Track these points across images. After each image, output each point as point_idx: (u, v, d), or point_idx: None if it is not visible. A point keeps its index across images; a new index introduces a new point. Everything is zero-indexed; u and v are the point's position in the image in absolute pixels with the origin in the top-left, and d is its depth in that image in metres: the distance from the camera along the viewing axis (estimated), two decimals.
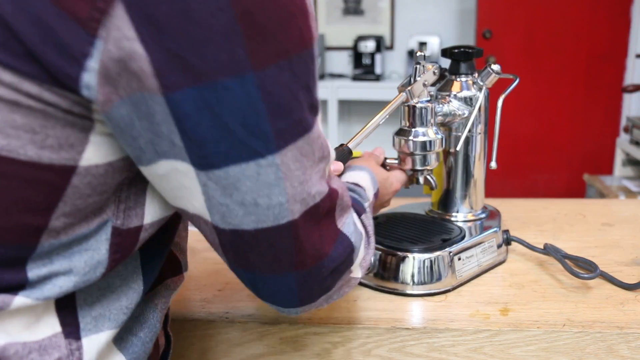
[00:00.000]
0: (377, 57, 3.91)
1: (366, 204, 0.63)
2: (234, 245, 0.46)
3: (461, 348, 0.72)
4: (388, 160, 0.84)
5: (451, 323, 0.73)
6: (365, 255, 0.56)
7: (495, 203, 1.18)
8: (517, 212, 1.14)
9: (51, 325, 0.45)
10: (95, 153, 0.42)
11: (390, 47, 4.12)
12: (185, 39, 0.37)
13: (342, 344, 0.73)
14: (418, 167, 0.83)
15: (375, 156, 0.83)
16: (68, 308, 0.46)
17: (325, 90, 3.89)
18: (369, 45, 3.89)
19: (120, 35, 0.37)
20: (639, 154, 2.82)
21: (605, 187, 2.85)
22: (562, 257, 0.85)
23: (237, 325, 0.74)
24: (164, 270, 0.57)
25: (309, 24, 0.43)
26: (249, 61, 0.38)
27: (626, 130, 3.01)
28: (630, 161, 3.05)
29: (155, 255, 0.53)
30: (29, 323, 0.44)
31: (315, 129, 0.45)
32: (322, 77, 4.03)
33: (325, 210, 0.47)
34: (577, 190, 3.47)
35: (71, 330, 0.46)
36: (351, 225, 0.52)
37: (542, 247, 0.90)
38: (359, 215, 0.58)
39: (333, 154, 0.50)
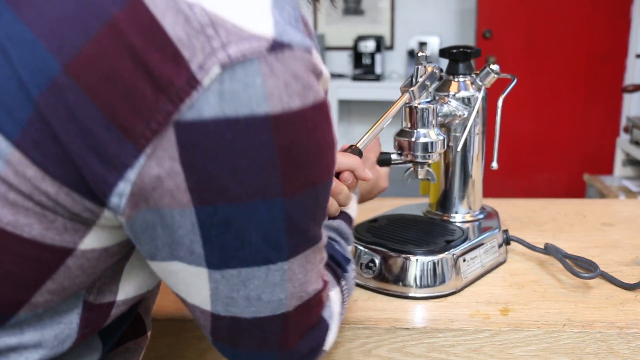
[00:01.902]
0: (377, 57, 3.91)
1: (348, 251, 0.67)
2: (229, 329, 0.48)
3: (461, 348, 0.72)
4: (393, 155, 0.84)
5: (451, 323, 0.73)
6: (341, 309, 0.59)
7: (495, 203, 1.18)
8: (517, 212, 1.14)
9: None
10: (94, 239, 0.42)
11: (390, 47, 4.12)
12: (226, 167, 0.39)
13: (342, 344, 0.73)
14: (419, 160, 0.83)
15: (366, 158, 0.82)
16: None
17: None
18: (369, 45, 3.89)
19: (164, 155, 0.38)
20: (639, 154, 2.82)
21: (605, 187, 2.85)
22: (562, 256, 0.85)
23: None
24: (126, 332, 0.56)
25: (334, 155, 0.46)
26: (281, 189, 0.41)
27: (626, 130, 3.01)
28: (631, 161, 3.05)
29: (114, 321, 0.51)
30: None
31: (322, 240, 0.49)
32: None
33: (315, 303, 0.51)
34: (577, 190, 3.47)
35: None
36: (329, 306, 0.54)
37: (542, 247, 0.90)
38: (340, 277, 0.61)
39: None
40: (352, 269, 0.65)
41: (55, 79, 0.37)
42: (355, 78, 3.95)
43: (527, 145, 3.53)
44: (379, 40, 3.91)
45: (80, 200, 0.40)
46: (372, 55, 3.91)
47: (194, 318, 0.50)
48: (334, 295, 0.56)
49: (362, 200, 0.87)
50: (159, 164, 0.38)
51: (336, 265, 0.62)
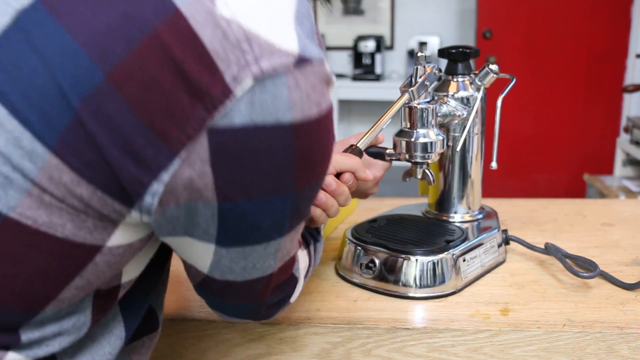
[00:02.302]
0: (377, 57, 3.91)
1: (321, 228, 0.74)
2: (219, 288, 0.53)
3: (461, 348, 0.72)
4: (388, 151, 0.84)
5: (451, 323, 0.73)
6: (307, 268, 0.67)
7: (495, 203, 1.18)
8: (517, 212, 1.14)
9: None
10: (120, 236, 0.45)
11: (391, 47, 4.12)
12: (251, 167, 0.42)
13: (342, 344, 0.73)
14: (418, 160, 0.82)
15: (346, 144, 0.85)
16: None
17: None
18: (369, 45, 3.89)
19: (196, 158, 0.41)
20: (639, 154, 2.81)
21: (606, 187, 2.85)
22: (562, 256, 0.85)
23: (237, 325, 0.74)
24: (141, 326, 0.58)
25: (333, 149, 0.50)
26: (294, 186, 0.45)
27: (626, 130, 3.01)
28: (631, 161, 3.05)
29: (135, 300, 0.54)
30: None
31: (310, 214, 0.55)
32: None
33: (291, 261, 0.56)
34: (577, 190, 3.47)
35: None
36: (298, 262, 0.60)
37: (542, 246, 0.90)
38: (310, 244, 0.69)
39: None
40: (321, 239, 0.73)
41: (98, 87, 0.38)
42: (355, 78, 3.96)
43: (527, 145, 3.53)
44: (379, 40, 3.91)
45: (111, 202, 0.42)
46: (372, 55, 3.91)
47: (183, 263, 0.53)
48: (301, 254, 0.62)
49: (359, 196, 0.88)
50: (192, 166, 0.41)
51: (309, 235, 0.70)
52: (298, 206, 0.48)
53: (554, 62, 3.40)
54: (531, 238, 0.95)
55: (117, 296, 0.50)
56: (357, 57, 3.93)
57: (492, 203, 1.18)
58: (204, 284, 0.53)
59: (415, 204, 1.03)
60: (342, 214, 1.11)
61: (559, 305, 0.76)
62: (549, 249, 0.88)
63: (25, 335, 0.45)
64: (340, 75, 4.10)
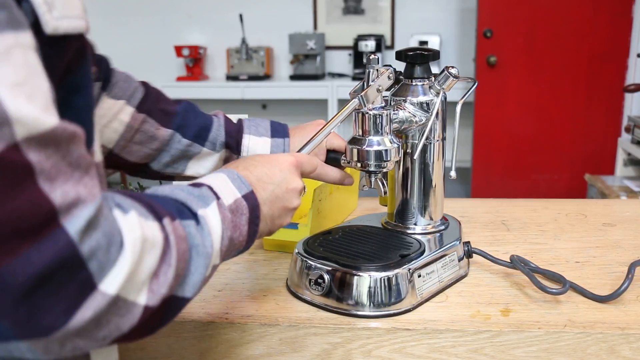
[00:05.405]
0: (378, 56, 3.90)
1: (195, 206, 0.53)
2: None
3: (462, 349, 0.72)
4: (344, 156, 0.80)
5: (452, 324, 0.72)
6: (157, 269, 0.44)
7: (496, 203, 1.17)
8: (518, 212, 1.13)
9: None
10: None
11: (391, 47, 4.11)
12: None
13: (342, 344, 0.73)
14: (372, 169, 0.78)
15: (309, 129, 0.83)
16: None
17: (325, 90, 3.89)
18: (369, 45, 3.89)
19: None
20: None
21: (607, 187, 2.85)
22: (529, 270, 0.81)
23: (236, 326, 0.74)
24: None
25: None
26: None
27: (627, 130, 3.00)
28: (632, 161, 3.04)
29: None
30: None
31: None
32: (322, 76, 4.03)
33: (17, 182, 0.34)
34: (578, 190, 3.47)
35: None
36: (81, 217, 0.37)
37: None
38: (164, 217, 0.47)
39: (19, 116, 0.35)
40: (205, 222, 0.52)
41: None
42: (356, 77, 3.95)
43: (528, 145, 3.53)
44: (379, 39, 3.90)
45: None
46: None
47: None
48: (129, 219, 0.42)
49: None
50: None
51: (163, 207, 0.48)
52: None
53: (555, 61, 3.40)
54: (532, 238, 0.94)
55: None
56: (358, 56, 3.93)
57: (492, 203, 1.18)
58: None
59: (377, 214, 0.98)
60: (342, 214, 1.10)
61: (560, 306, 0.76)
62: (515, 263, 0.83)
63: None
64: (340, 75, 4.10)
